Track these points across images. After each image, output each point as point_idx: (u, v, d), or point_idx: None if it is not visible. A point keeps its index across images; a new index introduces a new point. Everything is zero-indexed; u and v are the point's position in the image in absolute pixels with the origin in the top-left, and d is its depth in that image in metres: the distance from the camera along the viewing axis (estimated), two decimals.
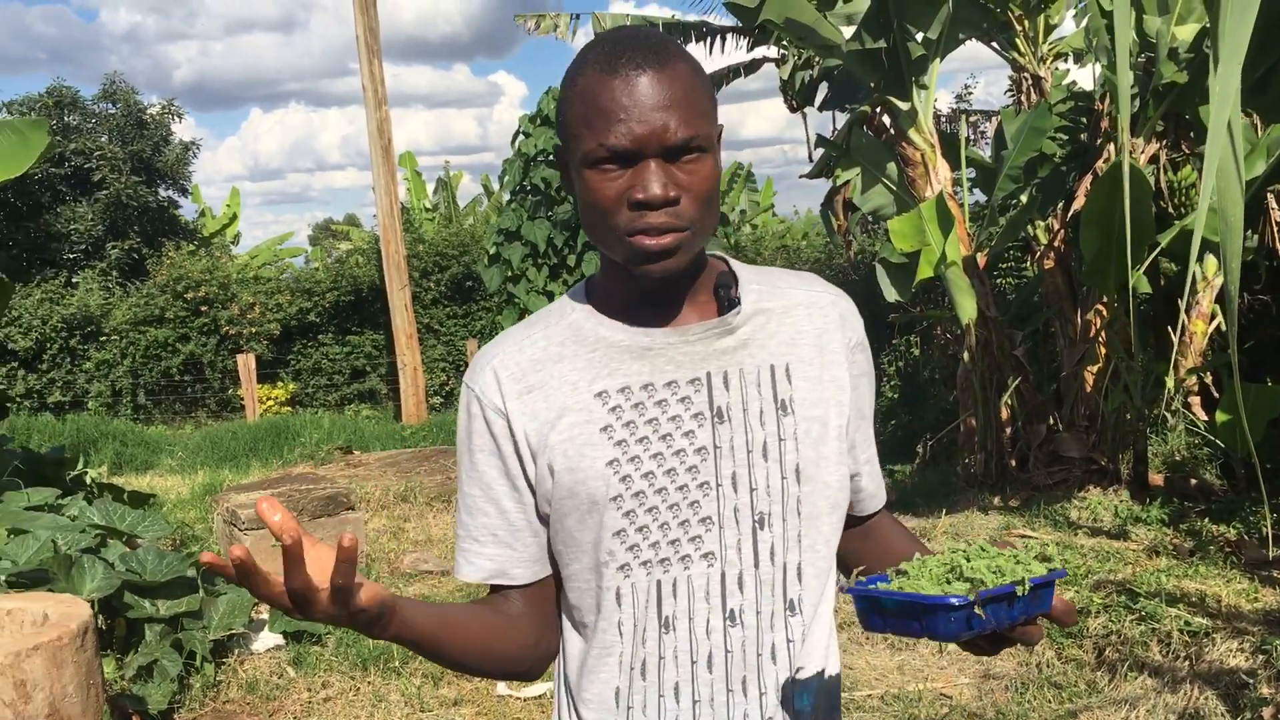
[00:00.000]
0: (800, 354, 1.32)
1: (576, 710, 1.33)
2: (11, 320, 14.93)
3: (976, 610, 1.04)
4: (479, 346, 14.85)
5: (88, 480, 6.64)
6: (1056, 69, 7.85)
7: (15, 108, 18.03)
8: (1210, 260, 6.52)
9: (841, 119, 8.12)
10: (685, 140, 1.19)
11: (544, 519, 1.31)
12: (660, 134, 1.18)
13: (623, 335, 1.29)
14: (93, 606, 3.87)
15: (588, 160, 1.20)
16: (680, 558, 1.26)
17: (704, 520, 1.27)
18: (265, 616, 5.05)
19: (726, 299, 1.31)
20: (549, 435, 1.26)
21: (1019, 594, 1.06)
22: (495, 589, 1.35)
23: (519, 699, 4.43)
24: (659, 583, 1.26)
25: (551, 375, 1.28)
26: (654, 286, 1.27)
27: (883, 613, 1.10)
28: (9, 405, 6.43)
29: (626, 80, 1.19)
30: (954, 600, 1.03)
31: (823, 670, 1.33)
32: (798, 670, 1.31)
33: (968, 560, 1.11)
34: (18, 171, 5.56)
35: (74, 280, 17.37)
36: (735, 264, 1.36)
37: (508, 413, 1.28)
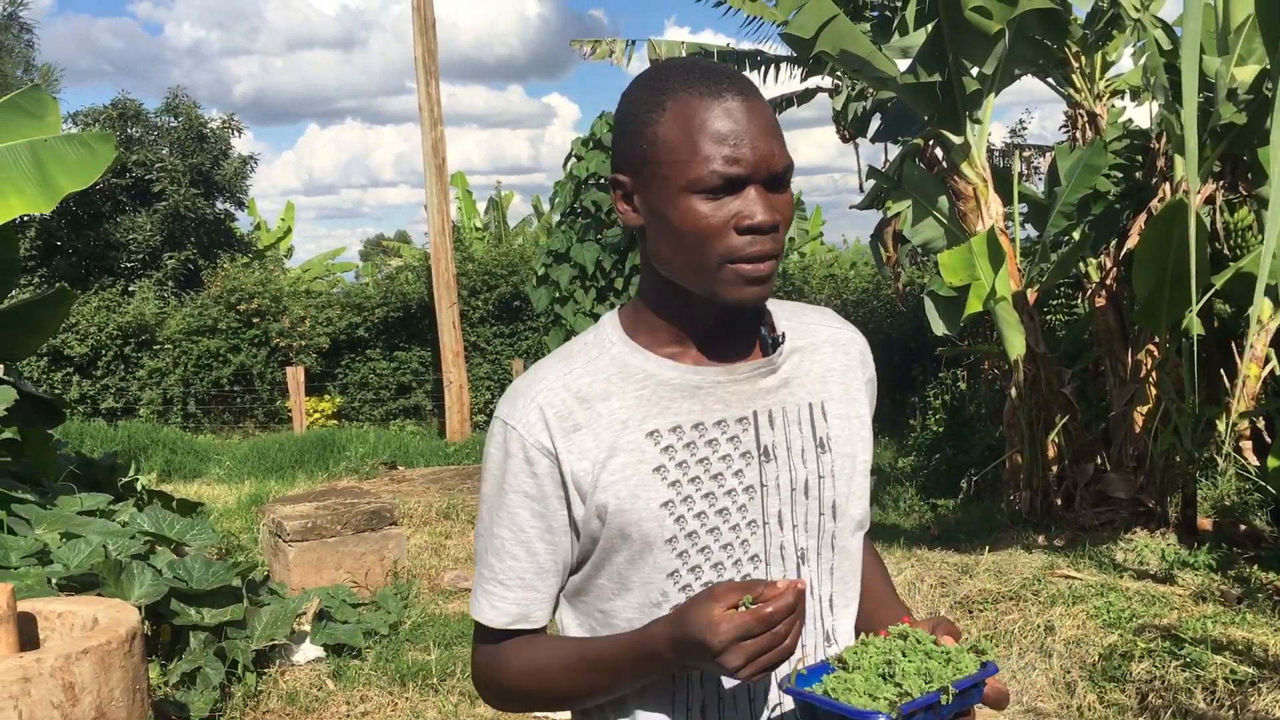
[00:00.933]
0: (831, 391, 1.34)
1: None
2: (69, 327, 15.23)
3: None
4: (525, 366, 15.00)
5: (138, 487, 6.75)
6: (1113, 106, 7.81)
7: (80, 118, 18.42)
8: (1266, 303, 6.43)
9: (894, 150, 8.12)
10: (785, 169, 1.21)
11: (582, 558, 1.30)
12: (768, 160, 1.19)
13: (673, 373, 1.27)
14: (140, 612, 3.94)
15: (695, 186, 1.18)
16: None
17: (753, 558, 1.27)
18: (307, 628, 5.11)
19: (770, 338, 1.31)
20: (600, 475, 1.24)
21: (944, 702, 1.12)
22: (513, 630, 1.33)
23: None
24: None
25: (599, 413, 1.25)
26: (717, 320, 1.27)
27: (816, 716, 1.15)
28: (64, 410, 6.56)
29: (730, 105, 1.18)
30: (881, 718, 1.09)
31: None
32: None
33: (903, 655, 1.16)
34: (86, 184, 5.70)
35: (131, 289, 17.68)
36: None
37: (556, 452, 1.24)
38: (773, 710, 1.29)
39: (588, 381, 1.27)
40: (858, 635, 1.37)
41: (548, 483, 1.25)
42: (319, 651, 5.07)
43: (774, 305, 1.36)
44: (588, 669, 1.26)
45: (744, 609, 1.12)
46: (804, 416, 1.30)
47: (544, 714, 4.47)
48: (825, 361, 1.35)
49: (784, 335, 1.32)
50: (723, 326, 1.29)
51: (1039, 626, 4.96)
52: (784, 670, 1.25)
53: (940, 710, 1.12)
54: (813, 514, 1.29)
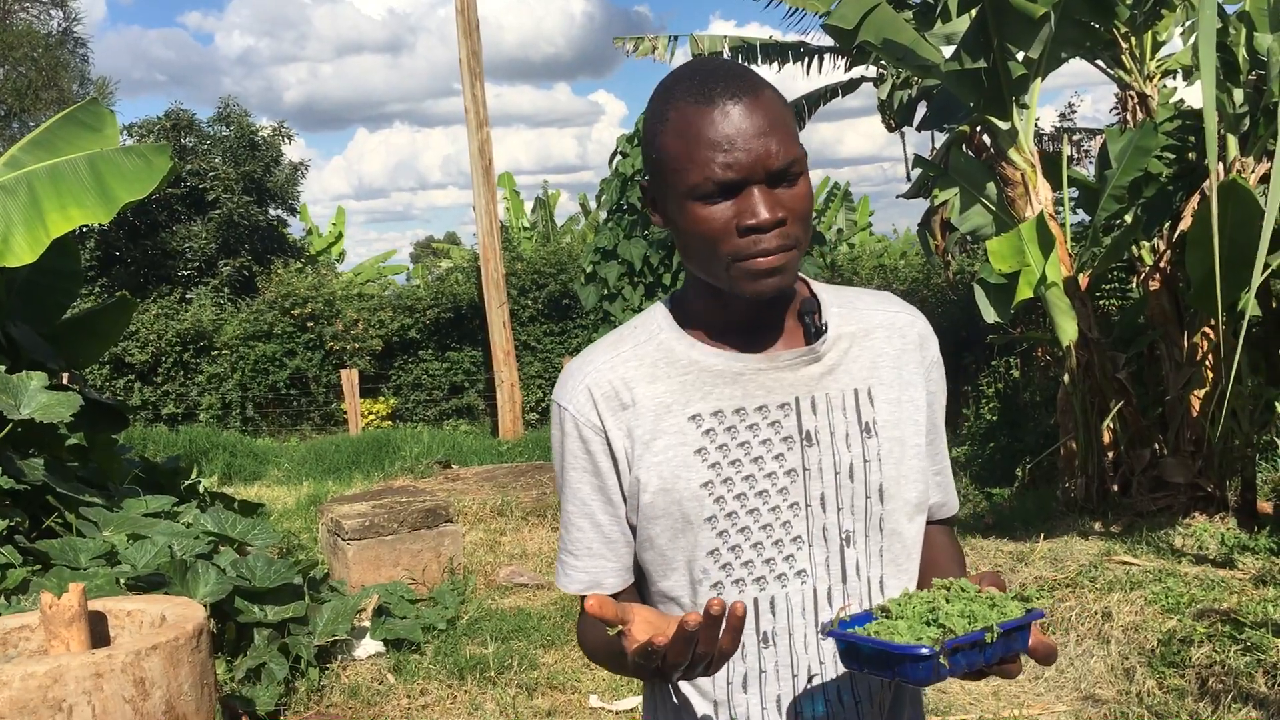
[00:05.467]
0: (881, 376, 1.36)
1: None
2: (129, 335, 15.53)
3: (942, 660, 1.10)
4: None
5: (200, 489, 6.90)
6: (1164, 86, 7.69)
7: (135, 130, 18.77)
8: None
9: (940, 138, 8.07)
10: (787, 164, 1.22)
11: (633, 528, 1.35)
12: (764, 160, 1.21)
13: (716, 360, 1.32)
14: (206, 610, 4.04)
15: (694, 194, 1.23)
16: (776, 576, 1.30)
17: (795, 539, 1.31)
18: (367, 624, 5.20)
19: (813, 326, 1.34)
20: (644, 455, 1.30)
21: (988, 641, 1.12)
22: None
23: (611, 711, 4.49)
24: (756, 600, 1.30)
25: (644, 395, 1.31)
26: (751, 311, 1.31)
27: (859, 657, 1.16)
28: (128, 416, 6.71)
29: (724, 110, 1.21)
30: (922, 650, 1.09)
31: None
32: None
33: (946, 602, 1.16)
34: (142, 195, 5.83)
35: (188, 296, 18.00)
36: (816, 286, 1.40)
37: (606, 429, 1.31)
38: (811, 679, 1.33)
39: (634, 366, 1.33)
40: None
41: (601, 458, 1.32)
42: (379, 646, 5.16)
43: (826, 291, 1.39)
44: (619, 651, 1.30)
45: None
46: (848, 402, 1.33)
47: None
48: (877, 347, 1.37)
49: (827, 324, 1.35)
50: (758, 316, 1.33)
51: (1096, 613, 4.93)
52: (824, 618, 1.29)
53: (985, 650, 1.13)
54: (859, 497, 1.32)
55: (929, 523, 1.48)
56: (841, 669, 1.32)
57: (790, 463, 1.30)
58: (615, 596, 1.38)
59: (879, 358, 1.37)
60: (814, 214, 1.45)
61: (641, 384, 1.32)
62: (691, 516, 1.29)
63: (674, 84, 1.27)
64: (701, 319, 1.34)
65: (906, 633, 1.14)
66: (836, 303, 1.38)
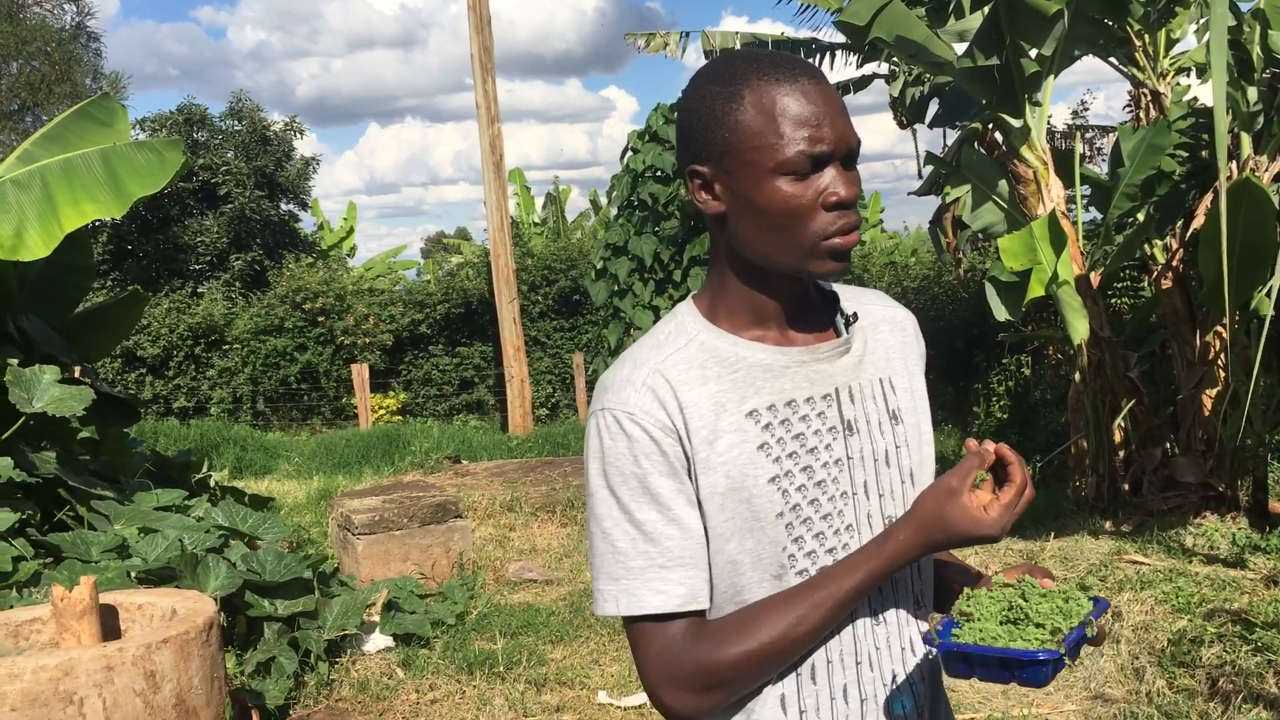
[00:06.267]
0: (894, 367, 1.42)
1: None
2: (141, 329, 15.58)
3: (1065, 660, 1.14)
4: (585, 360, 15.08)
5: (211, 483, 6.92)
6: (1177, 84, 7.66)
7: (148, 124, 18.82)
8: None
9: (952, 135, 8.05)
10: (858, 145, 1.28)
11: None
12: (846, 138, 1.26)
13: (761, 354, 1.32)
14: (216, 603, 4.05)
15: (784, 169, 1.23)
16: None
17: (849, 527, 1.33)
18: (376, 619, 5.21)
19: (844, 319, 1.39)
20: (708, 456, 1.27)
21: (1089, 634, 1.17)
22: (674, 617, 1.28)
23: (619, 707, 4.49)
24: None
25: (698, 396, 1.28)
26: (794, 301, 1.34)
27: (970, 662, 1.19)
28: (139, 410, 6.73)
29: (807, 88, 1.24)
30: (1041, 655, 1.14)
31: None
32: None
33: (1024, 600, 1.20)
34: (155, 189, 5.85)
35: (200, 290, 18.06)
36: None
37: (677, 429, 1.27)
38: (895, 677, 1.35)
39: (684, 368, 1.30)
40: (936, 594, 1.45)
41: (678, 461, 1.27)
42: (388, 641, 5.18)
43: (836, 288, 1.43)
44: (818, 593, 1.26)
45: (980, 487, 1.23)
46: (877, 391, 1.38)
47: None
48: (886, 339, 1.43)
49: (855, 315, 1.39)
50: (801, 307, 1.36)
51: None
52: (923, 626, 1.35)
53: (1080, 643, 1.18)
54: (895, 482, 1.36)
55: None
56: (895, 654, 1.35)
57: (836, 452, 1.33)
58: (703, 613, 1.31)
59: (889, 350, 1.42)
60: None
61: (694, 385, 1.29)
62: (761, 514, 1.27)
63: (739, 65, 1.28)
64: (738, 313, 1.34)
65: (1003, 634, 1.18)
66: (845, 297, 1.42)
